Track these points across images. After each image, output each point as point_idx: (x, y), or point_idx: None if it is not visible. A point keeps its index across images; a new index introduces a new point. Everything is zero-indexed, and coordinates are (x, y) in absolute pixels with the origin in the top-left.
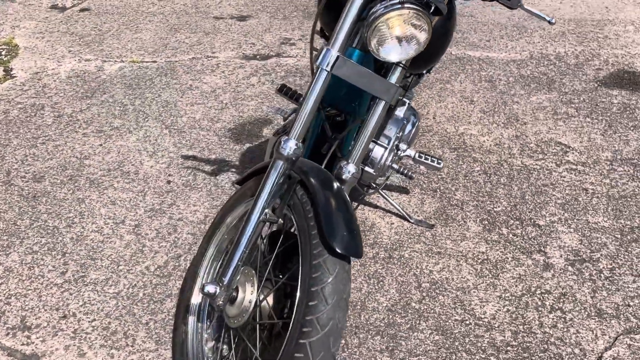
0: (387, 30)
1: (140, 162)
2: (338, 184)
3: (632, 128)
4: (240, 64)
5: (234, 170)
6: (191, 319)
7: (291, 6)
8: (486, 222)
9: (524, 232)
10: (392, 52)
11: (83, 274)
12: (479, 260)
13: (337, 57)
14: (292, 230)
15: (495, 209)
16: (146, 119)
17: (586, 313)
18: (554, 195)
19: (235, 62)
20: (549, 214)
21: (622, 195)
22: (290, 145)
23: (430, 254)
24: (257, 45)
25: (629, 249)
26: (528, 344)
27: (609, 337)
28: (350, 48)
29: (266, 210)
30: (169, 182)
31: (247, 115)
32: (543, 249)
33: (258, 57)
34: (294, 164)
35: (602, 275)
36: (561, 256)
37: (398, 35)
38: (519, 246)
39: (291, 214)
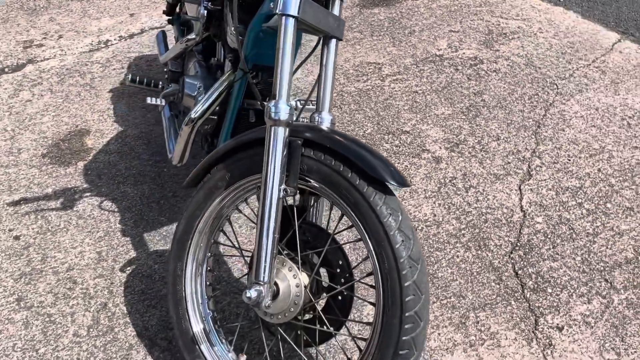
0: None
1: None
2: (339, 130)
3: (409, 34)
4: None
5: (88, 194)
6: (204, 348)
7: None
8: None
9: (401, 141)
10: None
11: None
12: None
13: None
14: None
15: (366, 132)
16: None
17: (489, 180)
18: (398, 104)
19: None
20: (406, 119)
21: (442, 87)
22: (283, 107)
23: None
24: None
25: (478, 123)
26: (471, 219)
27: (516, 190)
28: None
29: (283, 186)
30: (17, 237)
31: (53, 133)
32: (425, 147)
33: (7, 69)
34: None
35: (476, 149)
36: (440, 147)
37: None
38: (406, 153)
39: (306, 178)
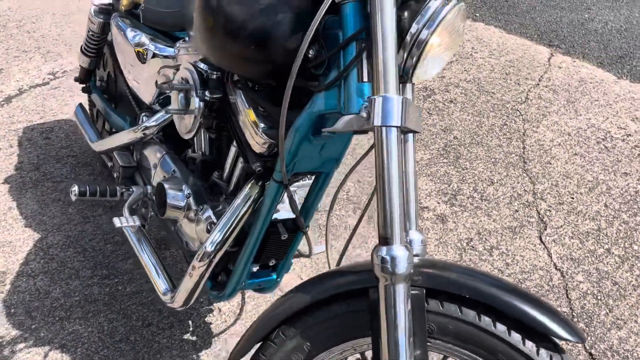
0: (440, 42)
1: None
2: (459, 264)
3: None
4: None
5: (22, 345)
6: None
7: None
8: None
9: None
10: (436, 65)
11: None
12: None
13: (404, 101)
14: None
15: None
16: None
17: (508, 236)
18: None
19: None
20: None
21: None
22: (402, 255)
23: None
24: None
25: (463, 166)
26: None
27: (539, 244)
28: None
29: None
30: None
31: None
32: (421, 204)
33: None
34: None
35: (475, 198)
36: (438, 202)
37: (448, 41)
38: None
39: (433, 340)
